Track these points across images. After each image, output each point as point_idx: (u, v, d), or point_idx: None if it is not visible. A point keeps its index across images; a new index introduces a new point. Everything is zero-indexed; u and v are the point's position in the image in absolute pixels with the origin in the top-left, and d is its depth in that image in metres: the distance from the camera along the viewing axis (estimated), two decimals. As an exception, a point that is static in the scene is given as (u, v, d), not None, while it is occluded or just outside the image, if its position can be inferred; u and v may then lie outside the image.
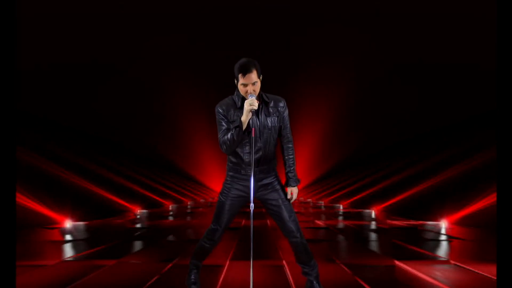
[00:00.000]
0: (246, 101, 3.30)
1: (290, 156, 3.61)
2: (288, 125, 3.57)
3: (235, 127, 3.33)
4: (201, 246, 3.67)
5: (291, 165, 3.61)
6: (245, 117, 3.30)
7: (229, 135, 3.34)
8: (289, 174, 3.60)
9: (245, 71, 3.30)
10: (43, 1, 17.25)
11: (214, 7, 22.13)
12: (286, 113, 3.54)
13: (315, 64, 24.87)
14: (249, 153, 3.41)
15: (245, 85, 3.33)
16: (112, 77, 23.11)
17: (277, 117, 3.48)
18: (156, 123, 28.63)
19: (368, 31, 21.91)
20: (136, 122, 26.95)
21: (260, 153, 3.44)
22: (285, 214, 3.50)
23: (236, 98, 3.44)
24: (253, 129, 3.32)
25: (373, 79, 24.23)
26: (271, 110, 3.47)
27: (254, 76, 3.32)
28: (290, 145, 3.60)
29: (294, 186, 3.59)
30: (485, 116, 13.39)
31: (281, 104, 3.51)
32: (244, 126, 3.31)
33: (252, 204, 3.37)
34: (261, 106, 3.45)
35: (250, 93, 3.33)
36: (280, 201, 3.52)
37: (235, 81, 3.40)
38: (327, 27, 22.66)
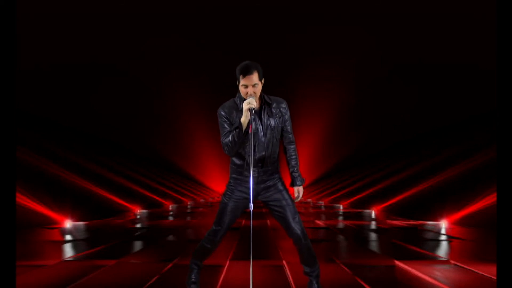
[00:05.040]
0: (244, 102, 3.32)
1: (293, 157, 3.63)
2: (290, 127, 3.59)
3: (235, 129, 3.34)
4: (202, 247, 3.68)
5: (295, 165, 3.63)
6: (244, 118, 3.31)
7: (230, 137, 3.36)
8: (294, 174, 3.62)
9: (246, 72, 3.34)
10: (43, 1, 17.25)
11: (215, 7, 22.13)
12: (288, 114, 3.56)
13: (315, 64, 24.85)
14: (256, 152, 3.42)
15: (245, 86, 3.37)
16: (112, 77, 23.10)
17: (280, 118, 3.51)
18: (156, 123, 28.61)
19: (369, 31, 21.90)
20: (136, 122, 26.94)
21: (264, 153, 3.45)
22: (289, 215, 3.50)
23: (238, 101, 3.47)
24: (250, 125, 3.32)
25: (373, 79, 24.22)
26: (274, 111, 3.50)
27: (255, 77, 3.35)
28: (292, 146, 3.63)
29: (300, 185, 3.62)
30: (485, 116, 13.38)
31: (283, 105, 3.54)
32: (244, 127, 3.32)
33: (251, 204, 3.37)
34: (263, 107, 3.47)
35: (250, 94, 3.36)
36: (284, 202, 3.52)
37: (237, 83, 3.42)
38: (327, 27, 22.65)
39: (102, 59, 21.32)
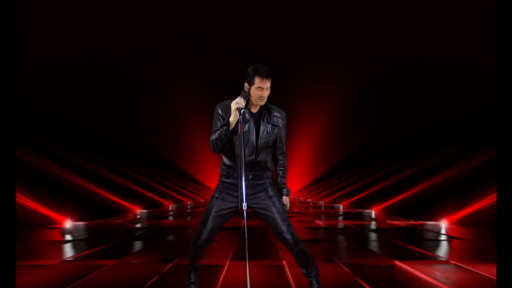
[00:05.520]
0: (233, 102, 3.30)
1: (282, 168, 3.62)
2: (284, 138, 3.58)
3: (222, 126, 3.33)
4: (190, 252, 3.68)
5: (283, 176, 3.63)
6: (233, 117, 3.30)
7: (216, 134, 3.35)
8: (282, 185, 3.62)
9: (267, 75, 3.30)
10: (43, 1, 17.25)
11: (215, 7, 22.13)
12: (285, 126, 3.55)
13: (315, 64, 24.85)
14: (245, 155, 3.40)
15: (261, 88, 3.32)
16: (112, 77, 23.11)
17: (276, 127, 3.49)
18: (156, 123, 28.63)
19: (369, 31, 21.90)
20: (136, 122, 26.95)
21: (254, 157, 3.43)
22: (279, 222, 3.48)
23: None
24: (239, 125, 3.31)
25: (373, 79, 24.23)
26: (273, 119, 3.48)
27: (269, 82, 3.33)
28: (283, 157, 3.62)
29: (287, 196, 3.63)
30: (485, 116, 13.39)
31: (282, 116, 3.54)
32: (232, 127, 3.30)
33: (244, 204, 3.36)
34: (264, 113, 3.46)
35: (264, 97, 3.34)
36: (274, 209, 3.49)
37: (246, 85, 3.37)
38: (327, 27, 22.65)
39: (102, 59, 21.32)
